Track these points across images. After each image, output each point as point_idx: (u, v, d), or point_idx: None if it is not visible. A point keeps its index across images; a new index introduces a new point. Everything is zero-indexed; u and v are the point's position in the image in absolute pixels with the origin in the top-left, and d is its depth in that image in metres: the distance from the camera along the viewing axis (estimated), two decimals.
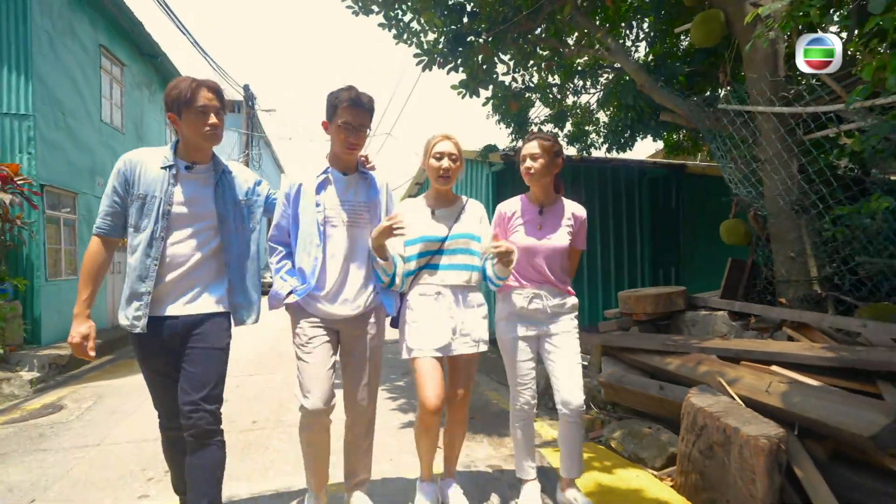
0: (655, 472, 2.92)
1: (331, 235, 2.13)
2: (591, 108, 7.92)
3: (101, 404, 4.79)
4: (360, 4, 6.47)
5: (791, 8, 3.26)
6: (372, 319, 2.26)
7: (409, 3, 6.37)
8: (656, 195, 8.35)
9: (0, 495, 2.90)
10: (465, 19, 6.01)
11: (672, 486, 2.73)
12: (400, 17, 6.57)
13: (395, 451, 3.37)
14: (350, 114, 2.09)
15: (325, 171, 2.19)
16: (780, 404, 2.45)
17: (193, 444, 1.93)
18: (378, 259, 2.12)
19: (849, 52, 3.76)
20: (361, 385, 2.23)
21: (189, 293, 1.99)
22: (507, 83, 6.73)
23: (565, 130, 7.96)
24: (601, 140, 7.89)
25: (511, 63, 6.59)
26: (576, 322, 2.45)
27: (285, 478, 2.96)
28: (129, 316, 1.94)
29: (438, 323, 2.22)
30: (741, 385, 2.74)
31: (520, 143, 7.89)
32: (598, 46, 5.88)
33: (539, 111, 8.06)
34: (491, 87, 6.55)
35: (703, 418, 2.53)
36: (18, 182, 5.67)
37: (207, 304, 2.02)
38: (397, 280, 2.22)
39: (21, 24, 6.49)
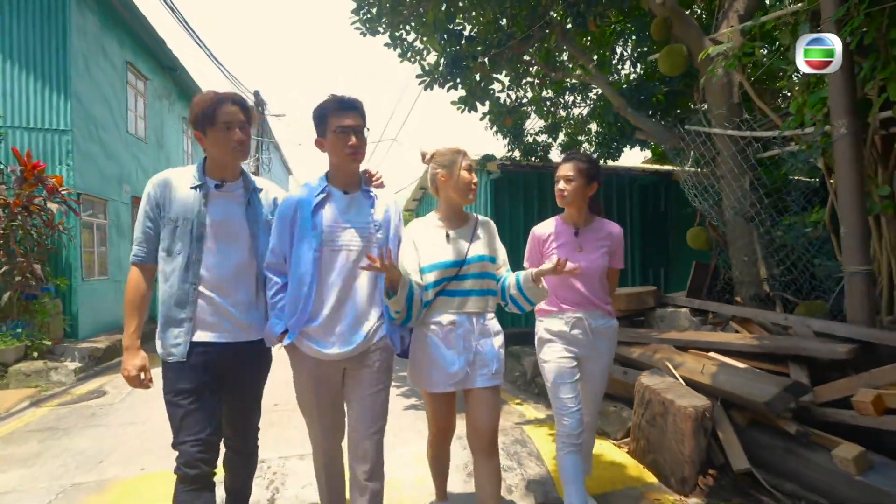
0: (615, 442, 3.50)
1: (328, 261, 1.90)
2: (584, 118, 8.48)
3: (138, 391, 5.41)
4: (367, 26, 7.06)
5: (737, 49, 3.83)
6: (377, 358, 1.98)
7: (413, 24, 6.97)
8: (646, 201, 8.85)
9: (73, 457, 3.52)
10: (464, 42, 6.60)
11: (627, 452, 3.30)
12: (404, 37, 7.17)
13: (398, 428, 3.96)
14: (343, 116, 1.91)
15: (324, 190, 1.97)
16: (709, 382, 3.01)
17: (243, 461, 2.16)
18: (386, 298, 1.94)
19: (783, 90, 4.31)
20: (364, 433, 1.97)
21: (229, 318, 1.90)
22: (502, 100, 7.31)
23: (559, 140, 8.53)
24: (593, 149, 8.46)
25: (506, 81, 7.17)
26: (614, 347, 2.45)
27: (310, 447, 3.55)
28: (168, 344, 1.86)
29: (454, 355, 2.02)
30: (684, 368, 3.31)
31: (516, 154, 8.51)
32: (578, 72, 6.45)
33: (534, 123, 8.65)
34: (488, 103, 7.14)
35: (649, 394, 3.09)
36: (62, 192, 6.31)
37: (249, 330, 1.94)
38: (413, 312, 1.99)
39: (61, 48, 7.15)
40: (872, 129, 3.03)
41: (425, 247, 2.09)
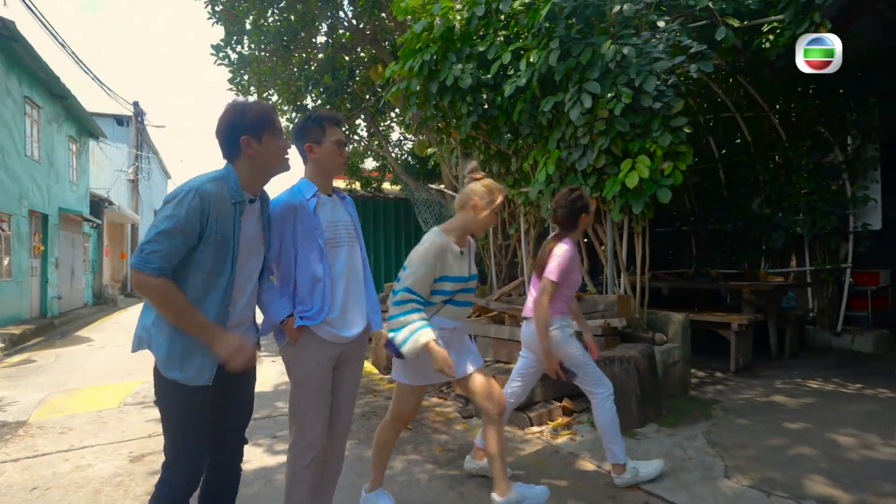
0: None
1: (332, 257, 2.12)
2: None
3: (62, 358, 7.52)
4: (240, 89, 9.65)
5: (443, 150, 7.14)
6: (365, 341, 2.29)
7: (277, 88, 9.66)
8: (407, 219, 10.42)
9: (40, 384, 5.80)
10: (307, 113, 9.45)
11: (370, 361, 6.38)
12: (269, 98, 9.84)
13: None
14: (338, 131, 2.13)
15: (315, 194, 2.11)
16: None
17: (230, 482, 2.03)
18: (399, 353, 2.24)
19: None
20: (346, 414, 2.26)
21: (239, 330, 1.92)
22: None
23: (386, 178, 11.71)
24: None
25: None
26: None
27: None
28: (193, 368, 1.74)
29: (454, 353, 2.36)
30: None
31: (356, 185, 11.51)
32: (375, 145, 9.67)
33: (371, 163, 11.68)
34: None
35: None
36: None
37: (251, 336, 1.99)
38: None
39: None
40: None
41: (447, 259, 2.34)
